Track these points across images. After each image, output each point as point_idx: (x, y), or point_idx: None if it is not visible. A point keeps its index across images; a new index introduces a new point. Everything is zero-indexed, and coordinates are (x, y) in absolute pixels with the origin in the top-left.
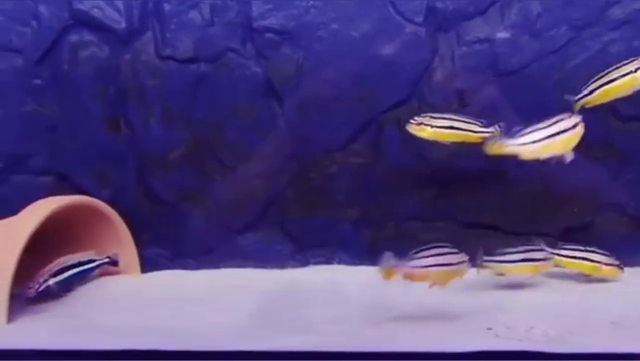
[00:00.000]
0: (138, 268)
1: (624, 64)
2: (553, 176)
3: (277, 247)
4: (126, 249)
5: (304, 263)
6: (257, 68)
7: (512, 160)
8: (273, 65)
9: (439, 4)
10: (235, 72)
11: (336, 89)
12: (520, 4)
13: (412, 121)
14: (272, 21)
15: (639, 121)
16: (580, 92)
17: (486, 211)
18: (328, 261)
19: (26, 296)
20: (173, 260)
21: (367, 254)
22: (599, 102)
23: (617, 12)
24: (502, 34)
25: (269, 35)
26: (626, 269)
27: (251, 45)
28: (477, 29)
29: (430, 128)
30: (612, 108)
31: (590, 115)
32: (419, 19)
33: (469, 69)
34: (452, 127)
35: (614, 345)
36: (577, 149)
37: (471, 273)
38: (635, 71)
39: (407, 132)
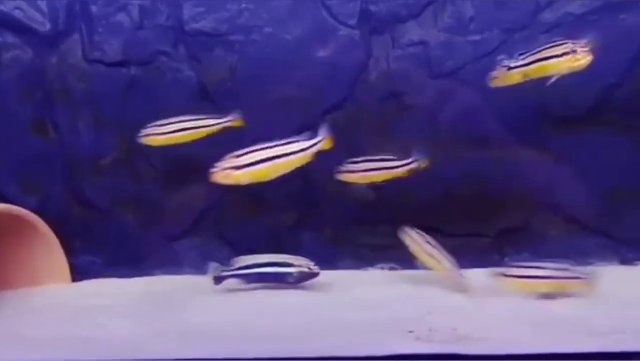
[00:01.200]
0: (68, 276)
1: (563, 43)
2: (488, 178)
3: (213, 253)
4: (55, 257)
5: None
6: (190, 71)
7: (448, 163)
8: (206, 68)
9: (372, 7)
10: (168, 75)
11: (272, 92)
12: (454, 7)
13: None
14: (204, 24)
15: (572, 123)
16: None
17: (423, 213)
18: None
19: None
20: (106, 268)
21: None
22: (532, 75)
23: (547, 16)
24: (436, 37)
25: (202, 38)
26: None
27: (183, 49)
28: (411, 31)
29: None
30: (546, 109)
31: (525, 117)
32: (353, 22)
33: (404, 71)
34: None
35: (535, 346)
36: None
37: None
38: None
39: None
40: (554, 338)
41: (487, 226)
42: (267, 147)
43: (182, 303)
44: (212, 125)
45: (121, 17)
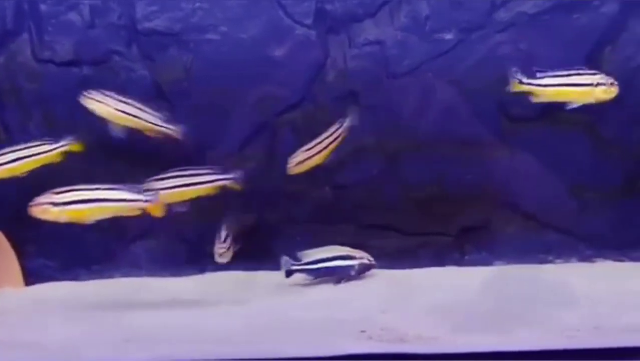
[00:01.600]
0: (21, 280)
1: (587, 73)
2: (448, 176)
3: (171, 255)
4: (7, 261)
5: (202, 270)
6: (144, 71)
7: (409, 162)
8: (161, 68)
9: (328, 7)
10: (121, 75)
11: (228, 92)
12: (409, 6)
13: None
14: (157, 23)
15: (527, 121)
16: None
17: (384, 212)
18: (226, 268)
19: None
20: (61, 271)
21: (265, 259)
22: (545, 96)
23: (502, 15)
24: (393, 36)
25: (155, 37)
26: (521, 266)
27: (136, 48)
28: (367, 31)
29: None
30: (505, 108)
31: (484, 116)
32: (309, 21)
33: (361, 70)
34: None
35: (492, 345)
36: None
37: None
38: (597, 85)
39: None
40: (502, 335)
41: (447, 224)
42: (89, 189)
43: (132, 306)
44: (47, 151)
45: (72, 16)
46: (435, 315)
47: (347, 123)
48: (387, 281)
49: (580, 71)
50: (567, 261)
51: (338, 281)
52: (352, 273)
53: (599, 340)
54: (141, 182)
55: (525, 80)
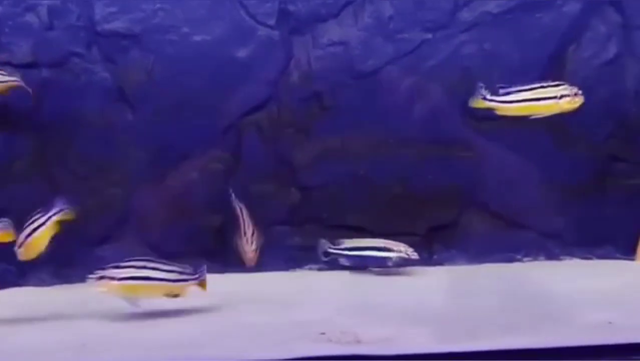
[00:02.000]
0: None
1: (550, 85)
2: (415, 177)
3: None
4: None
5: None
6: (105, 73)
7: (376, 162)
8: (122, 70)
9: (291, 7)
10: (82, 77)
11: (191, 94)
12: (373, 6)
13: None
14: (117, 24)
15: (493, 120)
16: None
17: (352, 213)
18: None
19: None
20: (23, 276)
21: (232, 262)
22: (509, 113)
23: (466, 15)
24: (356, 37)
25: (116, 39)
26: (490, 264)
27: (97, 50)
28: (331, 31)
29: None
30: (468, 108)
31: (449, 116)
32: (272, 22)
33: (326, 71)
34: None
35: (444, 346)
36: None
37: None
38: (560, 97)
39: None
40: (464, 335)
41: (415, 224)
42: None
43: (97, 311)
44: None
45: (30, 17)
46: (400, 315)
47: (62, 215)
48: (353, 282)
49: (544, 84)
50: (535, 259)
51: (374, 270)
52: (390, 264)
53: (567, 338)
54: None
55: (488, 96)
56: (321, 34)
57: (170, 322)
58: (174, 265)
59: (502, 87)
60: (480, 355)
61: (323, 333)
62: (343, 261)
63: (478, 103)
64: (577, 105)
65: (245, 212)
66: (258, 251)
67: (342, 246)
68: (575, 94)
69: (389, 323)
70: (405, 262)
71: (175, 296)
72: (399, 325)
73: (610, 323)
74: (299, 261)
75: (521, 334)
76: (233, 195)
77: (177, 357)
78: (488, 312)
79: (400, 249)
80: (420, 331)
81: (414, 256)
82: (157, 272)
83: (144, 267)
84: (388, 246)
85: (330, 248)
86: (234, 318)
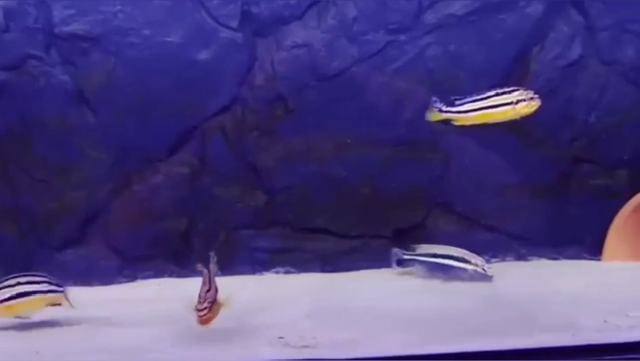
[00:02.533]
0: None
1: (505, 92)
2: (381, 178)
3: (101, 263)
4: None
5: (132, 278)
6: (65, 76)
7: (342, 164)
8: (82, 72)
9: (254, 9)
10: (40, 80)
11: (154, 97)
12: (336, 8)
13: None
14: (75, 27)
15: None
16: (452, 104)
17: (318, 215)
18: (158, 275)
19: None
20: None
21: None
22: (467, 122)
23: (430, 17)
24: (320, 39)
25: (75, 41)
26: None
27: (56, 52)
28: (295, 33)
29: None
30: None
31: (415, 117)
32: (234, 24)
33: (289, 73)
34: None
35: (405, 349)
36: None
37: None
38: (517, 102)
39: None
40: (427, 338)
41: (382, 226)
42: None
43: (56, 317)
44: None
45: None
46: (365, 318)
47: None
48: (320, 285)
49: (498, 91)
50: (502, 260)
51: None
52: (464, 276)
53: (527, 339)
54: None
55: (444, 108)
56: (285, 36)
57: (131, 327)
58: (45, 276)
59: (457, 98)
60: (443, 356)
61: (281, 338)
62: (417, 268)
63: (434, 116)
64: (534, 109)
65: (208, 274)
66: (208, 313)
67: (417, 252)
68: (532, 98)
69: (351, 327)
70: (479, 277)
71: (57, 305)
72: (362, 328)
73: (605, 321)
74: (265, 264)
75: (485, 336)
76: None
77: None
78: (454, 314)
79: (477, 263)
80: (383, 334)
81: (490, 273)
82: (33, 285)
83: (18, 283)
84: (466, 257)
85: (405, 254)
86: (193, 323)
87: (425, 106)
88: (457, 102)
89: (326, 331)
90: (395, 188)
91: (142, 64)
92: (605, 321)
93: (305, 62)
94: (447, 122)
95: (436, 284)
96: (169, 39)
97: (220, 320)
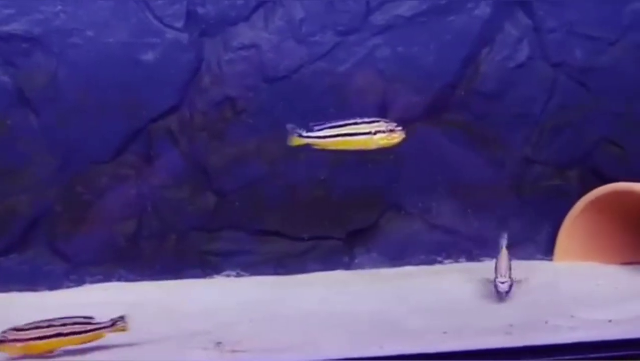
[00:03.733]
0: None
1: (365, 122)
2: (333, 180)
3: (46, 267)
4: None
5: (80, 282)
6: (5, 77)
7: (293, 166)
8: (23, 73)
9: (200, 10)
10: None
11: (99, 98)
12: (283, 9)
13: None
14: (15, 27)
15: (410, 123)
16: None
17: (270, 217)
18: (106, 279)
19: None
20: None
21: (148, 269)
22: (327, 147)
23: (378, 18)
24: (268, 40)
25: (15, 41)
26: (411, 267)
27: None
28: (242, 34)
29: None
30: (386, 110)
31: (366, 117)
32: (179, 25)
33: (238, 75)
34: None
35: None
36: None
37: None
38: (375, 133)
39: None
40: (371, 341)
41: (335, 228)
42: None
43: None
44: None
45: None
46: (309, 322)
47: None
48: (272, 288)
49: (358, 120)
50: (456, 261)
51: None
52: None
53: (481, 340)
54: None
55: (304, 133)
56: (232, 37)
57: None
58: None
59: (316, 124)
60: (384, 359)
61: (219, 343)
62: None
63: (295, 141)
64: (395, 141)
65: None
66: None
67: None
68: (391, 130)
69: (295, 331)
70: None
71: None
72: (305, 332)
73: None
74: (215, 267)
75: (432, 338)
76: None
77: None
78: (399, 316)
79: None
80: (325, 338)
81: (502, 289)
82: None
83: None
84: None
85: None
86: (135, 326)
87: (375, 107)
88: (316, 128)
89: (266, 335)
90: (348, 189)
91: (86, 65)
92: (546, 322)
93: (253, 63)
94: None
95: (386, 286)
96: (113, 40)
97: (160, 324)
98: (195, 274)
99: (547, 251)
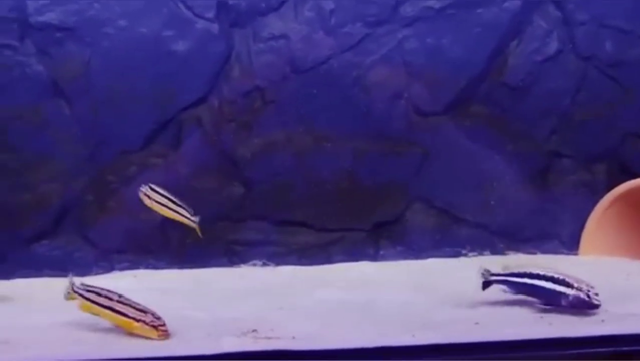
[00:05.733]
0: None
1: None
2: (360, 171)
3: (77, 254)
4: None
5: (108, 269)
6: (40, 66)
7: (320, 157)
8: (58, 63)
9: (230, 0)
10: (15, 70)
11: (130, 88)
12: (313, 0)
13: None
14: (51, 16)
15: (437, 116)
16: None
17: (296, 208)
18: (134, 266)
19: None
20: None
21: (175, 258)
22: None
23: (408, 10)
24: (298, 31)
25: (50, 31)
26: (435, 260)
27: (30, 43)
28: (272, 25)
29: None
30: (413, 104)
31: (394, 110)
32: (210, 15)
33: (267, 65)
34: None
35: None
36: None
37: None
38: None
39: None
40: (399, 331)
41: (361, 220)
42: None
43: (27, 308)
44: None
45: None
46: (339, 312)
47: None
48: (298, 278)
49: None
50: (480, 254)
51: (545, 305)
52: (564, 303)
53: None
54: None
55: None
56: (262, 27)
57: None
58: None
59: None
60: (412, 349)
61: (255, 330)
62: (506, 290)
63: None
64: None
65: None
66: None
67: (508, 272)
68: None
69: (325, 320)
70: (583, 305)
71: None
72: (334, 322)
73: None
74: (242, 257)
75: (436, 330)
76: None
77: (91, 352)
78: (424, 308)
79: (581, 287)
80: (351, 327)
81: (596, 300)
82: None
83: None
84: (568, 280)
85: (492, 275)
86: (168, 313)
87: (403, 100)
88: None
89: (297, 323)
90: (374, 181)
91: (117, 55)
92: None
93: (283, 54)
94: None
95: (412, 280)
96: (145, 30)
97: (192, 311)
98: (222, 263)
99: (572, 246)
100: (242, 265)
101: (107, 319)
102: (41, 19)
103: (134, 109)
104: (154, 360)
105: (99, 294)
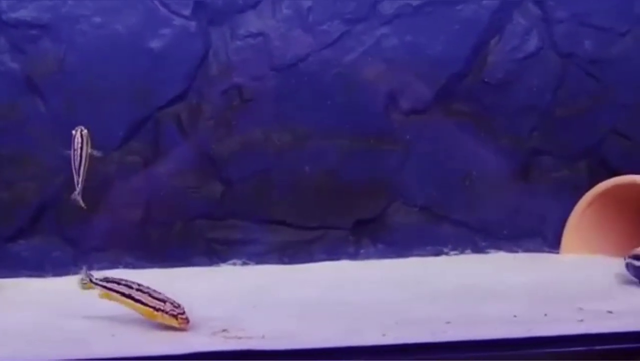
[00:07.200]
0: None
1: None
2: (340, 169)
3: (54, 253)
4: None
5: (86, 269)
6: (14, 64)
7: (299, 155)
8: (32, 60)
9: None
10: None
11: (106, 86)
12: None
13: None
14: (23, 13)
15: (418, 113)
16: None
17: (276, 206)
18: (113, 266)
19: None
20: None
21: (154, 257)
22: None
23: (386, 7)
24: (275, 28)
25: (23, 28)
26: (417, 258)
27: (4, 40)
28: (249, 22)
29: None
30: (394, 100)
31: (374, 107)
32: (187, 12)
33: (245, 63)
34: None
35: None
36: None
37: None
38: None
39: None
40: (374, 330)
41: (341, 218)
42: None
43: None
44: None
45: None
46: (314, 311)
47: None
48: (278, 277)
49: None
50: (461, 252)
51: None
52: None
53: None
54: None
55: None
56: (239, 25)
57: (83, 315)
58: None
59: None
60: (378, 348)
61: (225, 330)
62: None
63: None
64: None
65: None
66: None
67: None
68: None
69: (300, 319)
70: None
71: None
72: (308, 321)
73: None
74: (222, 256)
75: (423, 328)
76: None
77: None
78: (403, 306)
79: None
80: (327, 326)
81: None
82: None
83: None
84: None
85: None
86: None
87: (384, 97)
88: None
89: (270, 323)
90: (355, 179)
91: (93, 52)
92: (545, 315)
93: (261, 52)
94: None
95: (392, 278)
96: (120, 27)
97: None
98: (201, 263)
99: (554, 244)
100: (222, 264)
101: (127, 307)
102: (14, 15)
103: (110, 107)
104: (123, 360)
105: (119, 283)
